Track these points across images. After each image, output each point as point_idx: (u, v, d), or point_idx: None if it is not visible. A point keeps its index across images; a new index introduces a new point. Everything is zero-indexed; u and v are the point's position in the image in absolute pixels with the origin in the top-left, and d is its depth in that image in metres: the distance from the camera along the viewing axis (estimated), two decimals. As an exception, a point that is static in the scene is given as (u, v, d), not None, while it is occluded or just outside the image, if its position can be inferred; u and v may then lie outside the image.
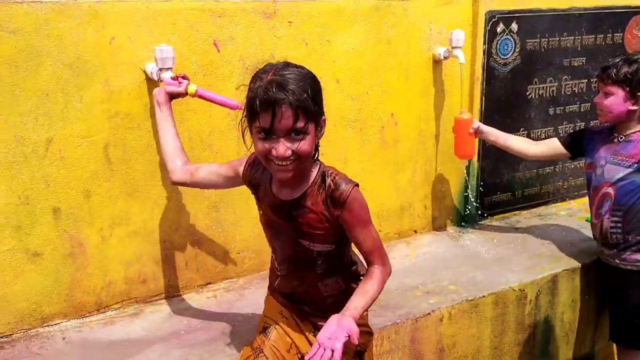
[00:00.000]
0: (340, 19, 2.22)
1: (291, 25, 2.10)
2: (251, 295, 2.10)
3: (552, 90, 2.75)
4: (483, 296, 2.08)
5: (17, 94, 1.74)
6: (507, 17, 2.50)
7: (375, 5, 2.30)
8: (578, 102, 2.86)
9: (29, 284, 1.88)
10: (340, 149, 2.30)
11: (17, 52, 1.71)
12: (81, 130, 1.85)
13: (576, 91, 2.84)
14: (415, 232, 2.65)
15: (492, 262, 2.36)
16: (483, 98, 2.56)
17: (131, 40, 1.85)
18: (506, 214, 2.84)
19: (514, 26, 2.54)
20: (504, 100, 2.63)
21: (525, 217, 2.84)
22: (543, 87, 2.70)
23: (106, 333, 1.91)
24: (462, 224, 2.72)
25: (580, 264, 2.35)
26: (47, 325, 1.93)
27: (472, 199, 2.67)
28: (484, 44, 2.49)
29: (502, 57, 2.55)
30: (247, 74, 1.99)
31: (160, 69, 1.80)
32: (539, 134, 2.78)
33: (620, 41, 2.90)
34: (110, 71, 1.85)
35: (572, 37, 2.71)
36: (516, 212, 2.86)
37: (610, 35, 2.85)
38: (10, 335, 1.89)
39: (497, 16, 2.47)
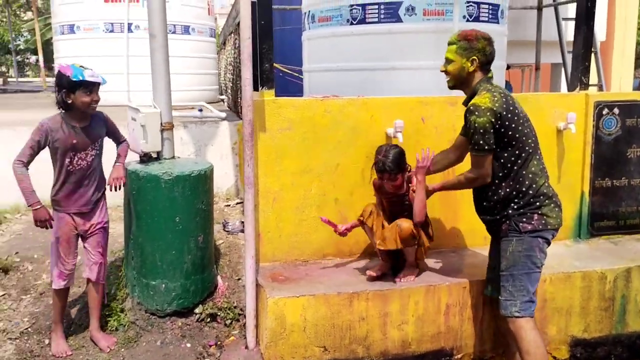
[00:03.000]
0: (495, 105, 3.82)
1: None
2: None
3: (646, 152, 4.00)
4: (574, 272, 3.45)
5: (327, 141, 3.64)
6: (610, 105, 3.87)
7: (522, 95, 3.86)
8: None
9: (320, 236, 3.73)
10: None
11: (329, 121, 3.62)
12: (352, 160, 3.69)
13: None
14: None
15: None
16: (592, 155, 3.93)
17: (381, 117, 3.67)
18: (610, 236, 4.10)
19: (616, 110, 3.89)
20: (609, 158, 3.95)
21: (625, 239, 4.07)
22: (639, 150, 3.97)
23: (352, 265, 3.67)
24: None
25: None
26: (326, 259, 3.76)
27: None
28: (593, 120, 3.89)
29: (607, 129, 3.91)
30: (439, 133, 3.71)
31: (395, 132, 3.58)
32: (637, 182, 4.02)
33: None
34: (369, 131, 3.67)
35: (663, 118, 3.95)
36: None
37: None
38: (307, 261, 3.75)
39: (602, 104, 3.86)
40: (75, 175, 3.19)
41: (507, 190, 2.85)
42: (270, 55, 3.59)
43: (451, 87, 2.97)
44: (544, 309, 3.48)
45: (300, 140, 3.60)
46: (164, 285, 3.46)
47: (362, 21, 4.18)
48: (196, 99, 7.68)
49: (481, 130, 2.72)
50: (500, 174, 2.85)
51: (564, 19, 6.30)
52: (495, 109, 2.70)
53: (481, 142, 2.75)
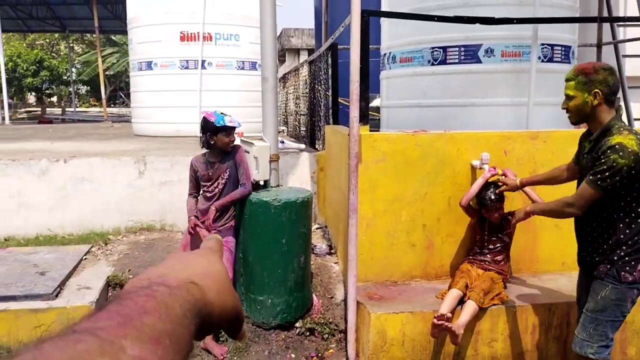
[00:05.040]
0: (574, 139, 4.12)
1: (545, 143, 4.07)
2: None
3: None
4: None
5: (417, 171, 3.99)
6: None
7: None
8: None
9: (409, 259, 4.06)
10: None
11: (419, 153, 3.98)
12: (439, 189, 4.03)
13: None
14: None
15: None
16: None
17: (466, 150, 4.01)
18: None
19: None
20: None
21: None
22: None
23: (440, 286, 3.97)
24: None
25: None
26: (413, 281, 4.08)
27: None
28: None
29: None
30: (520, 164, 4.01)
31: (482, 164, 3.90)
32: None
33: None
34: (455, 163, 4.02)
35: None
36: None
37: None
38: (396, 282, 4.07)
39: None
40: (209, 198, 3.71)
41: (622, 235, 2.75)
42: (367, 94, 3.98)
43: (574, 123, 2.97)
44: (625, 331, 3.70)
45: (392, 171, 3.96)
46: (270, 301, 3.82)
47: (443, 62, 4.56)
48: (260, 130, 8.16)
49: (615, 171, 2.59)
50: (621, 217, 2.75)
51: (623, 55, 6.55)
52: None
53: (607, 180, 2.61)
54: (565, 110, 2.87)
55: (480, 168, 3.93)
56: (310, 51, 19.63)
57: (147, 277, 0.51)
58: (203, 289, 0.52)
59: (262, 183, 3.97)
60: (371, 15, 3.71)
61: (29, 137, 9.20)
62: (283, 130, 10.35)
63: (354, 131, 3.56)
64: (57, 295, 3.86)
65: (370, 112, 4.61)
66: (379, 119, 6.23)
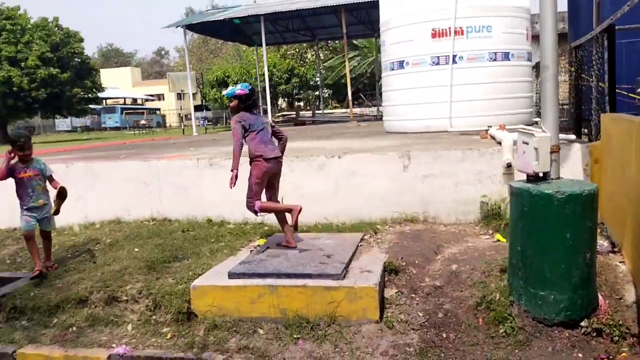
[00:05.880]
0: None
1: None
2: None
3: None
4: None
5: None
6: None
7: None
8: None
9: None
10: None
11: None
12: None
13: None
14: None
15: None
16: None
17: None
18: None
19: None
20: None
21: None
22: None
23: None
24: None
25: None
26: None
27: None
28: None
29: None
30: None
31: None
32: None
33: None
34: None
35: None
36: None
37: None
38: None
39: None
40: None
41: None
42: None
43: None
44: None
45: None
46: (552, 297, 3.69)
47: None
48: (511, 122, 7.84)
49: None
50: None
51: None
52: None
53: None
54: None
55: None
56: (561, 36, 18.19)
57: None
58: None
59: (541, 175, 3.85)
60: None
61: (295, 138, 10.37)
62: (537, 122, 9.83)
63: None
64: (344, 276, 4.30)
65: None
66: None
